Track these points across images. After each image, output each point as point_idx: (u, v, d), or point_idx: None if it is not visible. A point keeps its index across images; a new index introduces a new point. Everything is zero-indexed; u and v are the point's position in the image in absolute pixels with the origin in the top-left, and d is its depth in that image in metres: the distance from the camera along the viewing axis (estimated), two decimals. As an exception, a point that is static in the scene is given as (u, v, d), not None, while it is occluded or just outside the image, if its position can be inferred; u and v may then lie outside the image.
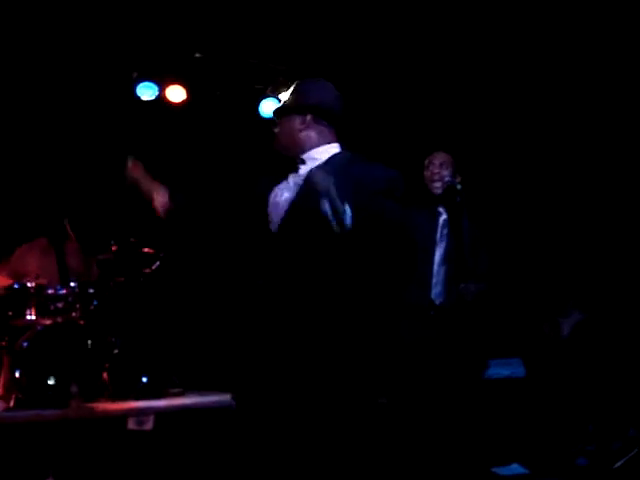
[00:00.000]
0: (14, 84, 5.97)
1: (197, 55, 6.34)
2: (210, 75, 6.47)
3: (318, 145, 3.06)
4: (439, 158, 4.27)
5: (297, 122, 3.06)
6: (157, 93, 6.30)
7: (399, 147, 6.03)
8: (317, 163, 2.98)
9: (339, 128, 3.16)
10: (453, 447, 4.18)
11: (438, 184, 4.21)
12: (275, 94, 6.36)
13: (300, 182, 3.00)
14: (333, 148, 3.07)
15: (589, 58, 5.78)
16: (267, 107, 6.44)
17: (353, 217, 2.65)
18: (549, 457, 4.90)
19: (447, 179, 4.16)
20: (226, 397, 5.54)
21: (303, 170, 3.02)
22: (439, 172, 4.21)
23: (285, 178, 3.13)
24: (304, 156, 3.05)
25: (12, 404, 4.85)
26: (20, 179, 6.32)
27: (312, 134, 3.06)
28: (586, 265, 6.01)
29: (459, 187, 4.09)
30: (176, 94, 6.39)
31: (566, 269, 6.04)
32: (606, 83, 5.87)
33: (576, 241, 6.13)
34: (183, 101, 6.43)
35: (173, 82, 6.39)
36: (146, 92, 6.27)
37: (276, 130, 3.16)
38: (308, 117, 3.06)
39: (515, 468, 4.82)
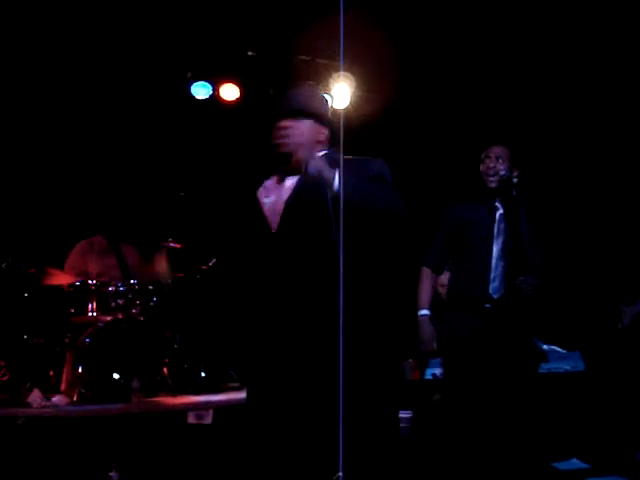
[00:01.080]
0: (71, 83, 6.09)
1: (250, 53, 6.38)
2: (263, 73, 6.51)
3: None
4: (495, 151, 4.22)
5: (317, 131, 3.17)
6: (211, 92, 6.37)
7: (456, 142, 5.99)
8: None
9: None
10: (513, 442, 4.14)
11: (493, 178, 4.15)
12: (327, 90, 6.36)
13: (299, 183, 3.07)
14: None
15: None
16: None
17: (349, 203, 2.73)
18: (609, 452, 4.82)
19: (502, 173, 4.11)
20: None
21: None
22: (495, 166, 4.15)
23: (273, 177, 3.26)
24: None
25: (75, 399, 4.96)
26: (77, 178, 6.45)
27: (323, 145, 3.16)
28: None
29: (515, 180, 4.03)
30: (230, 92, 6.45)
31: (631, 259, 5.92)
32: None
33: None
34: (237, 99, 6.49)
35: (227, 81, 6.44)
36: (200, 91, 6.34)
37: (288, 126, 3.18)
38: (327, 131, 3.16)
39: (575, 463, 4.76)
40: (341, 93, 6.24)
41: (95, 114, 6.39)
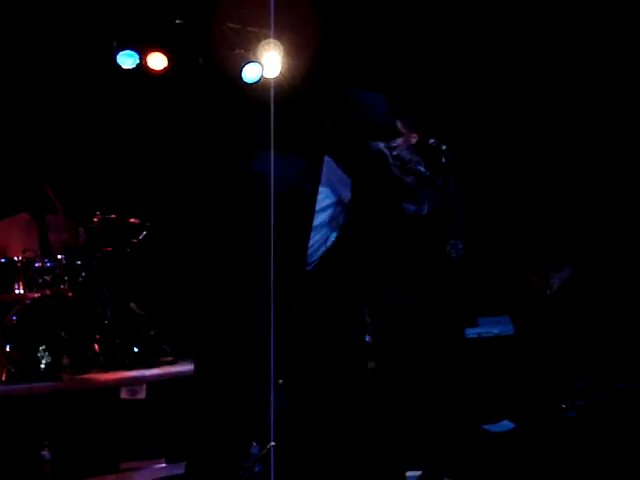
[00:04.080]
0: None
1: (178, 21, 6.25)
2: (191, 41, 6.39)
3: None
4: None
5: None
6: (138, 61, 6.22)
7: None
8: None
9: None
10: (443, 406, 4.20)
11: None
12: (257, 58, 6.28)
13: None
14: None
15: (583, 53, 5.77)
16: (250, 72, 6.37)
17: None
18: (539, 413, 4.95)
19: (431, 141, 4.10)
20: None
21: None
22: None
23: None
24: None
25: (4, 378, 4.87)
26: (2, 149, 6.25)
27: None
28: (581, 222, 6.01)
29: (444, 147, 4.03)
30: (157, 62, 6.31)
31: (561, 225, 6.04)
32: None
33: (574, 197, 6.12)
34: (164, 69, 6.36)
35: (154, 50, 6.30)
36: (127, 60, 6.18)
37: None
38: None
39: (506, 424, 4.87)
40: (271, 61, 6.17)
41: (20, 83, 6.18)
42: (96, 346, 5.58)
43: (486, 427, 4.78)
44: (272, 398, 3.95)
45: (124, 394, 5.12)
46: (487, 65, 6.18)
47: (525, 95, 6.21)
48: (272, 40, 6.07)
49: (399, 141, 4.14)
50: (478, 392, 4.82)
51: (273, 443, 3.35)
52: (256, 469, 4.26)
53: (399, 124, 4.19)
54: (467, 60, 6.16)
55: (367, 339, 4.32)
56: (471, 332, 5.11)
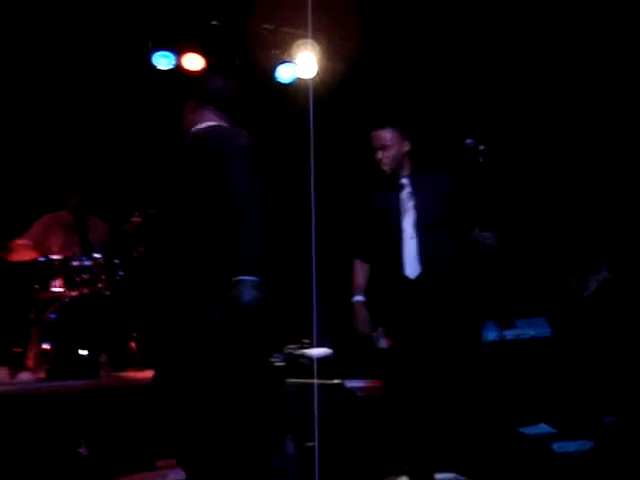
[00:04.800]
0: (29, 55, 5.95)
1: (214, 22, 6.28)
2: (227, 42, 6.42)
3: None
4: (378, 141, 4.15)
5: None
6: (174, 62, 6.26)
7: (419, 112, 5.96)
8: None
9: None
10: (481, 409, 4.17)
11: (385, 167, 4.15)
12: (292, 59, 6.30)
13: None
14: None
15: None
16: (284, 72, 6.39)
17: None
18: (576, 416, 4.89)
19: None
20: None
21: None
22: (382, 158, 4.11)
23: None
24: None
25: (42, 375, 4.92)
26: (43, 152, 6.34)
27: None
28: (619, 225, 5.94)
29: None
30: (193, 62, 6.35)
31: (599, 226, 5.97)
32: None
33: (611, 201, 6.04)
34: (201, 69, 6.39)
35: (190, 50, 6.34)
36: (163, 61, 6.23)
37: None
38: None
39: (542, 427, 4.82)
40: (306, 62, 6.17)
41: (59, 85, 6.25)
42: (133, 344, 5.62)
43: (522, 430, 4.74)
44: (315, 400, 3.98)
45: (160, 392, 5.15)
46: (522, 67, 6.13)
47: (565, 97, 6.15)
48: (308, 40, 6.07)
49: (393, 151, 4.13)
50: (515, 394, 4.79)
51: (313, 443, 3.36)
52: (291, 470, 4.28)
53: (392, 133, 4.15)
54: (502, 64, 6.11)
55: (384, 344, 4.33)
56: (508, 333, 5.07)
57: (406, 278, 4.04)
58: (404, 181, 4.14)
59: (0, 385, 4.63)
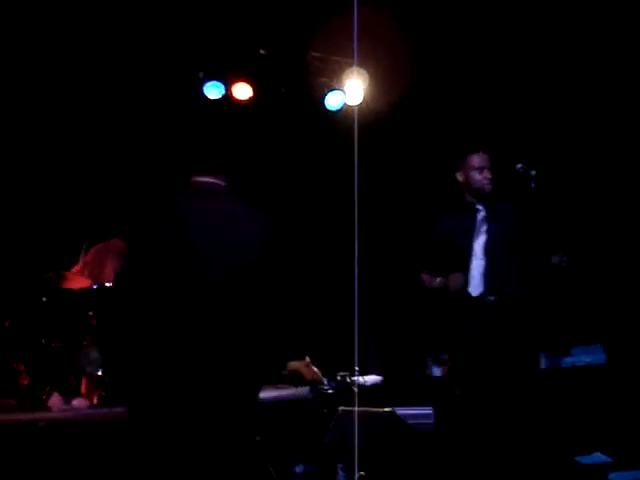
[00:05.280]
0: (87, 84, 6.08)
1: (261, 52, 6.36)
2: (276, 71, 6.49)
3: None
4: (486, 162, 4.31)
5: None
6: (224, 92, 6.35)
7: (468, 138, 5.94)
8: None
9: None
10: (535, 437, 4.11)
11: (490, 186, 4.29)
12: (340, 86, 6.34)
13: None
14: None
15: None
16: (333, 100, 6.43)
17: None
18: (632, 445, 4.77)
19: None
20: (302, 390, 5.58)
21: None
22: (491, 176, 4.28)
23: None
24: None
25: (95, 401, 4.96)
26: (94, 182, 6.46)
27: None
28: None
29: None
30: (242, 91, 6.43)
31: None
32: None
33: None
34: (249, 98, 6.47)
35: (239, 80, 6.42)
36: (213, 91, 6.32)
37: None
38: None
39: (598, 457, 4.72)
40: (354, 89, 6.21)
41: (109, 114, 6.38)
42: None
43: (578, 459, 4.65)
44: (356, 428, 3.95)
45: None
46: (575, 94, 6.08)
47: (613, 116, 6.08)
48: (355, 68, 6.11)
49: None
50: (570, 422, 4.70)
51: (362, 473, 3.34)
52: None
53: (481, 158, 4.25)
54: (554, 91, 6.07)
55: (437, 372, 4.33)
56: (563, 361, 5.00)
57: (469, 295, 4.08)
58: (479, 207, 4.23)
59: (54, 411, 4.69)
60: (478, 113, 6.14)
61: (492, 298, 4.11)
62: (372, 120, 5.88)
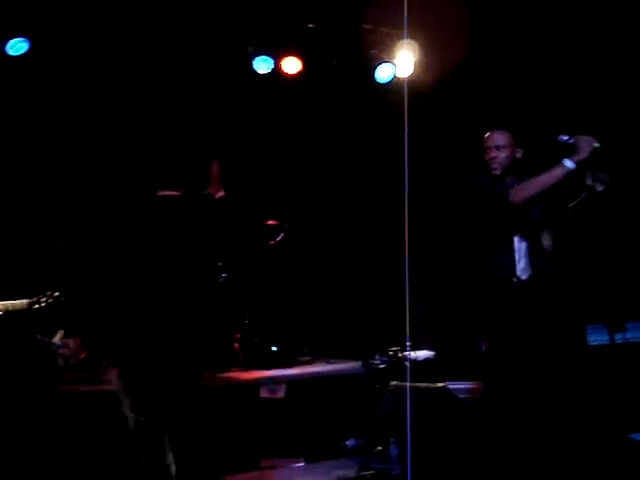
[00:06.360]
0: (138, 61, 6.09)
1: (310, 25, 6.32)
2: (325, 44, 6.44)
3: None
4: (493, 141, 4.13)
5: None
6: (273, 66, 6.34)
7: (520, 110, 5.82)
8: None
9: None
10: (588, 414, 4.07)
11: (495, 167, 4.11)
12: (390, 58, 6.27)
13: None
14: None
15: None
16: (383, 72, 6.37)
17: None
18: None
19: (565, 138, 4.01)
20: (354, 364, 5.61)
21: None
22: (496, 156, 4.09)
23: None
24: None
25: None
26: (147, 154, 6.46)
27: None
28: None
29: (597, 145, 3.91)
30: (292, 66, 6.41)
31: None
32: None
33: None
34: (299, 72, 6.45)
35: (288, 54, 6.40)
36: (262, 66, 6.31)
37: None
38: None
39: (653, 433, 4.64)
40: (404, 61, 6.14)
41: (161, 93, 6.40)
42: (236, 345, 5.73)
43: (633, 436, 4.58)
44: (409, 402, 3.96)
45: (264, 393, 5.23)
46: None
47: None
48: (406, 40, 6.04)
49: (505, 154, 4.10)
50: (624, 400, 4.63)
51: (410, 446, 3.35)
52: (395, 471, 4.27)
53: (508, 136, 4.12)
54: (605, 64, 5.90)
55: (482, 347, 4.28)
56: (618, 337, 4.91)
57: (518, 279, 4.00)
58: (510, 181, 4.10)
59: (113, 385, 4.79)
60: (531, 86, 6.01)
61: (527, 275, 4.01)
62: (423, 93, 5.80)
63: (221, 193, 3.86)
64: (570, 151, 3.82)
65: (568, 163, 3.74)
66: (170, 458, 3.56)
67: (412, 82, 5.91)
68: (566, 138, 3.86)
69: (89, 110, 6.03)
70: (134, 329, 3.54)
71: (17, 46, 5.52)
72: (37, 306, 3.81)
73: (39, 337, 5.00)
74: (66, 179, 5.94)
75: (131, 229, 3.52)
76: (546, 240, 4.07)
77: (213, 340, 5.46)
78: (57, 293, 3.83)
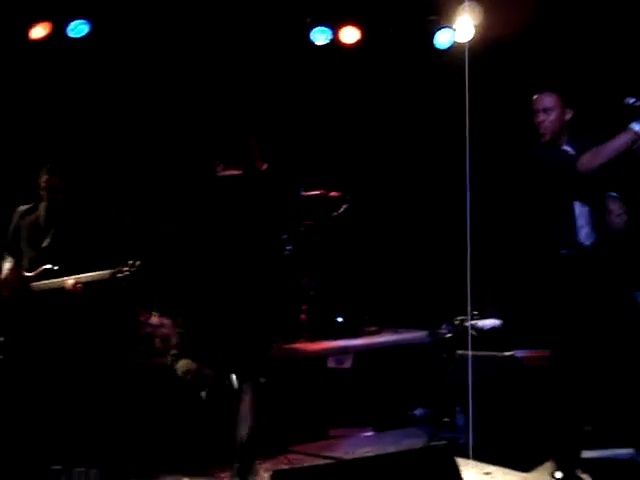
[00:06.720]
0: (198, 37, 6.11)
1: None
2: (382, 12, 6.36)
3: None
4: (541, 103, 4.00)
5: None
6: (331, 37, 6.29)
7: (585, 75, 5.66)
8: None
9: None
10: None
11: (544, 132, 3.97)
12: (449, 24, 6.16)
13: None
14: None
15: None
16: (442, 38, 6.26)
17: None
18: None
19: (631, 100, 3.87)
20: (420, 334, 5.61)
21: None
22: (543, 120, 3.96)
23: None
24: None
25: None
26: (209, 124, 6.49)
27: None
28: None
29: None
30: (350, 35, 6.35)
31: None
32: None
33: None
34: (357, 42, 6.38)
35: (346, 24, 6.34)
36: (320, 37, 6.27)
37: None
38: None
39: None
40: (464, 26, 6.01)
41: (221, 69, 6.42)
42: (303, 317, 5.78)
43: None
44: (470, 370, 3.95)
45: (331, 363, 5.28)
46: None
47: None
48: (467, 3, 5.90)
49: (554, 116, 3.97)
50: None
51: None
52: (461, 440, 4.27)
53: (555, 98, 4.00)
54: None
55: None
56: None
57: (581, 245, 3.92)
58: (566, 148, 3.99)
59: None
60: (596, 49, 5.83)
61: (591, 242, 3.92)
62: (484, 58, 5.69)
63: (264, 166, 3.91)
64: (638, 114, 3.70)
65: (637, 127, 3.63)
66: (242, 428, 3.65)
67: (472, 46, 5.80)
68: (633, 100, 3.74)
69: (146, 92, 6.11)
70: (204, 302, 3.65)
71: (78, 28, 5.63)
72: (120, 275, 4.10)
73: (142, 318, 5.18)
74: (133, 162, 6.06)
75: (199, 210, 3.64)
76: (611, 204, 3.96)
77: (280, 312, 5.52)
78: (139, 262, 4.03)
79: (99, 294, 4.25)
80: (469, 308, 4.23)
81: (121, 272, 4.08)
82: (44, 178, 4.27)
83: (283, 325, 5.56)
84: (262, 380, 3.78)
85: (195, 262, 3.75)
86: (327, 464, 3.86)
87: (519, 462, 4.09)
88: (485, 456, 4.11)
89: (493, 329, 4.96)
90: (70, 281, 4.11)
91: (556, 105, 3.98)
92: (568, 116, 4.00)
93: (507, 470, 4.07)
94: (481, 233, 3.84)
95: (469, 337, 4.25)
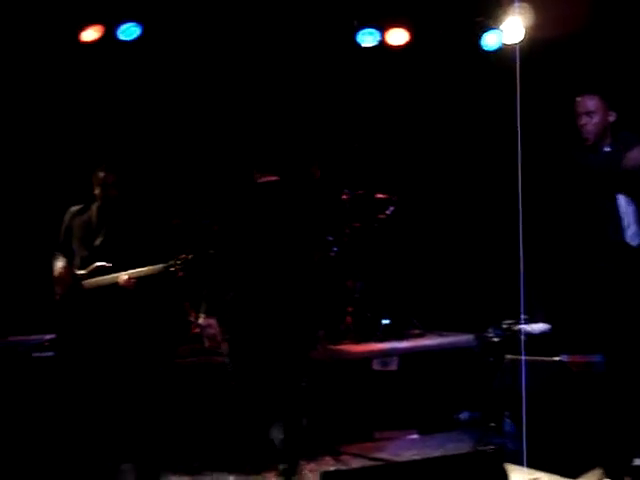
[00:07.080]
0: (240, 33, 6.14)
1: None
2: (430, 14, 6.34)
3: None
4: (584, 106, 3.93)
5: None
6: (379, 38, 6.28)
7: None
8: None
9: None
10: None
11: (588, 137, 3.91)
12: (498, 25, 6.11)
13: None
14: None
15: None
16: (490, 40, 6.22)
17: None
18: None
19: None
20: (466, 337, 5.57)
21: None
22: (586, 123, 3.91)
23: None
24: None
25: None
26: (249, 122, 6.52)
27: None
28: None
29: None
30: (397, 37, 6.34)
31: None
32: None
33: None
34: (405, 43, 6.37)
35: (394, 25, 6.33)
36: (367, 39, 6.27)
37: None
38: None
39: None
40: (513, 27, 5.96)
41: (267, 69, 6.45)
42: (348, 318, 5.79)
43: None
44: (524, 376, 3.91)
45: (376, 365, 5.28)
46: None
47: None
48: (517, 4, 5.86)
49: (597, 119, 3.91)
50: None
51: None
52: (509, 446, 4.24)
53: (598, 101, 3.94)
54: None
55: None
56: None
57: (628, 245, 3.87)
58: (607, 149, 3.95)
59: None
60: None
61: (638, 241, 3.87)
62: (532, 59, 5.63)
63: (318, 174, 3.99)
64: None
65: None
66: (277, 430, 3.67)
67: (523, 48, 5.74)
68: None
69: (193, 93, 6.17)
70: (248, 303, 3.68)
71: (129, 30, 5.70)
72: (173, 268, 4.21)
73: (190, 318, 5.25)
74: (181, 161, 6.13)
75: (240, 213, 3.70)
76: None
77: (325, 314, 5.54)
78: (191, 256, 4.10)
79: (152, 290, 4.32)
80: (522, 313, 4.20)
81: (173, 266, 4.17)
82: (100, 175, 4.36)
83: (328, 327, 5.58)
84: (304, 383, 3.80)
85: (239, 263, 3.78)
86: (375, 466, 3.85)
87: (567, 468, 4.04)
88: (532, 462, 4.08)
89: (542, 334, 4.92)
90: (124, 276, 4.19)
91: (599, 108, 3.95)
92: (611, 119, 3.96)
93: (554, 476, 4.03)
94: (531, 236, 3.79)
95: (521, 342, 4.21)
